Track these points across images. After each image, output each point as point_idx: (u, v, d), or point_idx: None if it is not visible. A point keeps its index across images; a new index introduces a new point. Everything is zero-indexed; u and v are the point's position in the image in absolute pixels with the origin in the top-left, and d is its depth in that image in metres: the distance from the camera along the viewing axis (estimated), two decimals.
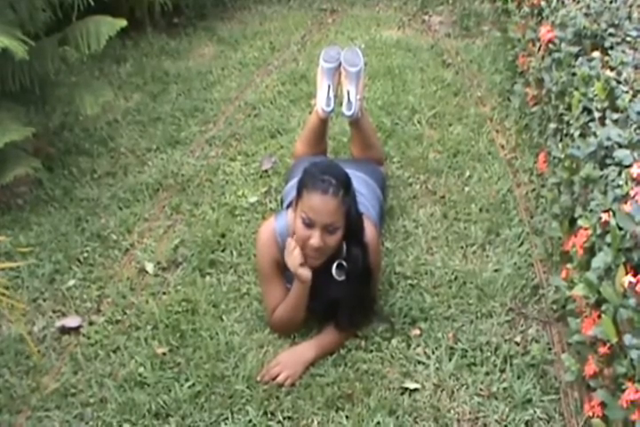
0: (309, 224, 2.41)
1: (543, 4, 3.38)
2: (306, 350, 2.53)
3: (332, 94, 3.22)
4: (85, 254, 3.13)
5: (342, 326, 2.58)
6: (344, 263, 2.52)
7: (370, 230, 2.59)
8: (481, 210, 3.27)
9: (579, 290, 2.03)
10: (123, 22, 3.66)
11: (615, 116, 2.30)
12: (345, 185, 2.43)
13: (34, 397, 2.45)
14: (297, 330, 2.65)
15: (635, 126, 2.20)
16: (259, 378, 2.46)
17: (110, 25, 3.64)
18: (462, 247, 3.07)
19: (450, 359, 2.52)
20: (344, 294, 2.55)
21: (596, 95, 2.43)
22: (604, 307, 1.86)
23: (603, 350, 1.85)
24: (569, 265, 2.30)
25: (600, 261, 1.93)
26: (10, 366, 2.58)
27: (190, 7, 5.79)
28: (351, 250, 2.52)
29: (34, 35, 3.47)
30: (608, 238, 1.92)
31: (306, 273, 2.48)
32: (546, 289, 2.77)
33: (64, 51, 3.68)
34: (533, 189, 3.35)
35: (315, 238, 2.40)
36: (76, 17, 3.75)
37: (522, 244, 3.05)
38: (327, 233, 2.41)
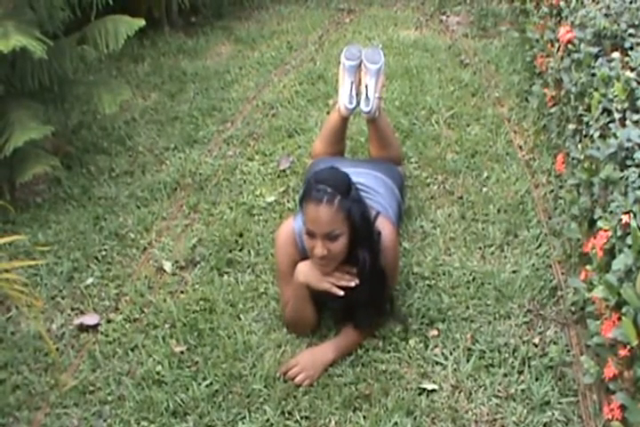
0: (311, 234, 2.42)
1: (562, 4, 3.36)
2: (325, 351, 2.53)
3: (354, 92, 3.22)
4: (103, 253, 3.14)
5: (360, 326, 2.58)
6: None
7: (388, 230, 2.59)
8: (499, 211, 3.26)
9: (598, 292, 2.02)
10: (141, 22, 3.67)
11: (636, 117, 2.29)
12: (342, 190, 2.41)
13: (52, 394, 2.47)
14: (312, 330, 2.65)
15: None
16: (278, 374, 2.47)
17: (128, 24, 3.65)
18: (480, 248, 3.06)
19: (468, 360, 2.51)
20: (358, 296, 2.54)
21: (616, 96, 2.41)
22: (624, 309, 1.85)
23: (623, 352, 1.84)
24: (588, 267, 2.29)
25: (621, 262, 1.92)
26: (29, 362, 2.60)
27: (208, 6, 5.82)
28: (357, 254, 2.49)
29: (52, 34, 3.48)
30: (629, 240, 1.91)
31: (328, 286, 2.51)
32: (564, 291, 2.76)
33: (83, 50, 3.69)
34: (551, 191, 3.33)
35: (317, 248, 2.41)
36: (95, 16, 3.77)
37: (540, 245, 3.04)
38: (329, 241, 2.41)
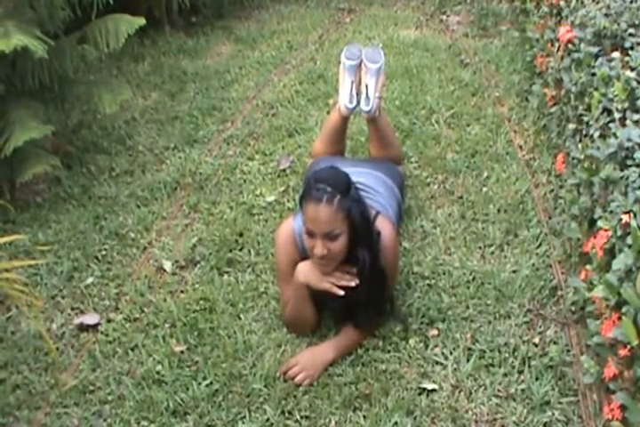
0: (311, 234, 2.42)
1: (562, 3, 3.36)
2: (325, 351, 2.53)
3: (354, 91, 3.22)
4: (104, 252, 3.14)
5: (360, 326, 2.58)
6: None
7: (387, 230, 2.59)
8: (499, 210, 3.26)
9: (598, 292, 2.03)
10: (141, 21, 3.67)
11: (636, 116, 2.29)
12: (341, 189, 2.41)
13: (52, 393, 2.47)
14: (312, 330, 2.66)
15: None
16: (278, 373, 2.47)
17: (129, 23, 3.65)
18: (480, 248, 3.06)
19: (468, 360, 2.51)
20: (358, 296, 2.54)
21: (616, 96, 2.41)
22: (624, 309, 1.85)
23: (623, 352, 1.84)
24: (588, 266, 2.29)
25: (621, 262, 1.92)
26: (29, 362, 2.60)
27: (208, 6, 5.82)
28: (357, 254, 2.49)
29: (53, 33, 3.48)
30: (629, 240, 1.91)
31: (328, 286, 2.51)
32: (564, 290, 2.76)
33: (83, 49, 3.69)
34: (552, 190, 3.33)
35: (317, 248, 2.41)
36: (95, 15, 3.77)
37: (540, 245, 3.04)
38: (328, 240, 2.41)
